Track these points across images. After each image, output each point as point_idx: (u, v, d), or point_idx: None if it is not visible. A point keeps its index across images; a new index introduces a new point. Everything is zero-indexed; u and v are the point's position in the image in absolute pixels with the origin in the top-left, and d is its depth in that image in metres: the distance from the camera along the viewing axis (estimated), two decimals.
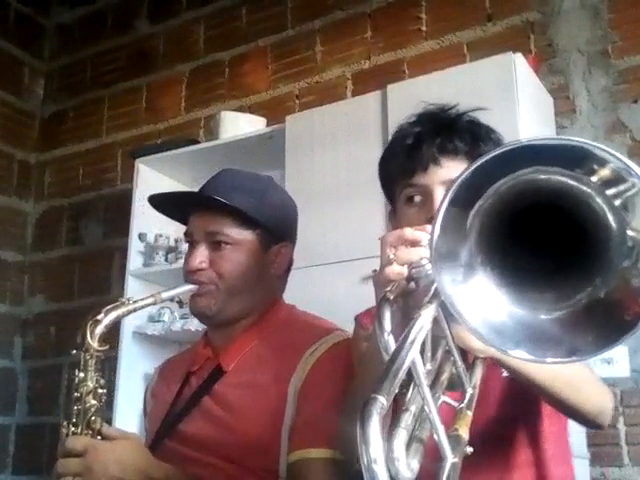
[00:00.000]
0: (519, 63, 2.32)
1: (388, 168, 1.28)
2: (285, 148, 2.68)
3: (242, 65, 3.47)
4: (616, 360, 2.30)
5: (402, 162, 1.20)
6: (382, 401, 0.60)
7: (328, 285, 2.39)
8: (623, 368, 2.30)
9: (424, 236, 0.92)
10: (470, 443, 0.81)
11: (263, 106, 3.31)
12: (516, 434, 1.19)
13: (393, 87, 2.50)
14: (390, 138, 1.30)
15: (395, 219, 1.26)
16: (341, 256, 2.42)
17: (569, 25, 2.70)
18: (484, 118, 1.25)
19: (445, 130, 1.19)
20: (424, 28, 3.00)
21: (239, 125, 2.96)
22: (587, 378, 1.10)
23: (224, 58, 3.52)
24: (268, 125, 2.97)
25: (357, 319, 1.34)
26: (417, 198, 1.18)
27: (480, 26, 2.86)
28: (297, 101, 3.25)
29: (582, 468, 2.27)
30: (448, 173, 1.14)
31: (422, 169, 1.17)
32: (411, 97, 2.36)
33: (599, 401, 1.11)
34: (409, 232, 0.96)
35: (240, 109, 3.32)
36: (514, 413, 1.20)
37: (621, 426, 2.31)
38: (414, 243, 0.95)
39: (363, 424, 0.58)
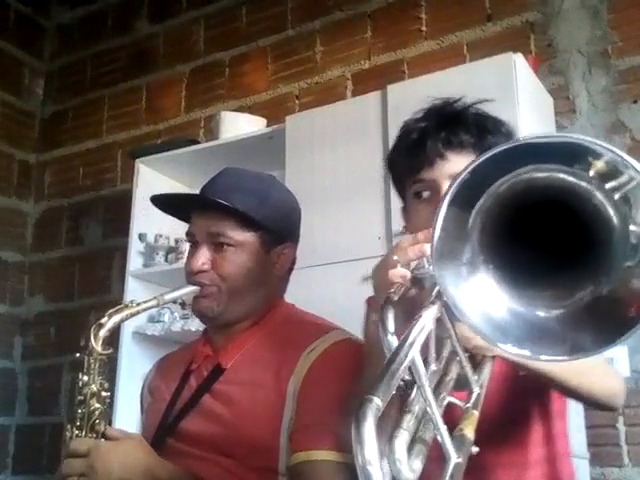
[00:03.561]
0: (519, 63, 2.32)
1: (395, 165, 1.27)
2: (285, 148, 2.68)
3: (242, 65, 3.47)
4: (616, 360, 2.29)
5: (408, 158, 1.20)
6: (377, 402, 0.60)
7: (328, 285, 2.39)
8: (623, 368, 2.30)
9: None
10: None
11: (263, 106, 3.31)
12: (531, 432, 1.20)
13: (393, 87, 2.50)
14: (397, 134, 1.28)
15: (407, 215, 1.26)
16: (341, 256, 2.42)
17: (569, 25, 2.70)
18: None
19: (450, 123, 1.18)
20: (424, 28, 3.00)
21: (239, 125, 2.96)
22: (595, 363, 1.09)
23: (224, 58, 3.52)
24: (268, 125, 2.97)
25: (369, 302, 1.33)
26: (425, 193, 1.18)
27: (480, 26, 2.86)
28: (297, 101, 3.25)
29: (582, 468, 2.28)
30: (455, 167, 1.13)
31: (428, 164, 1.16)
32: (411, 97, 2.37)
33: (609, 384, 1.12)
34: (422, 241, 0.96)
35: (240, 109, 3.32)
36: (528, 411, 1.20)
37: (621, 426, 2.31)
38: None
39: (358, 425, 0.58)
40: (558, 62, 2.69)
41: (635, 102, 2.53)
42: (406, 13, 3.04)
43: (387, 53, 3.06)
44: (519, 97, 2.22)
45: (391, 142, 2.48)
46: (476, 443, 0.79)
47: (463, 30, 2.89)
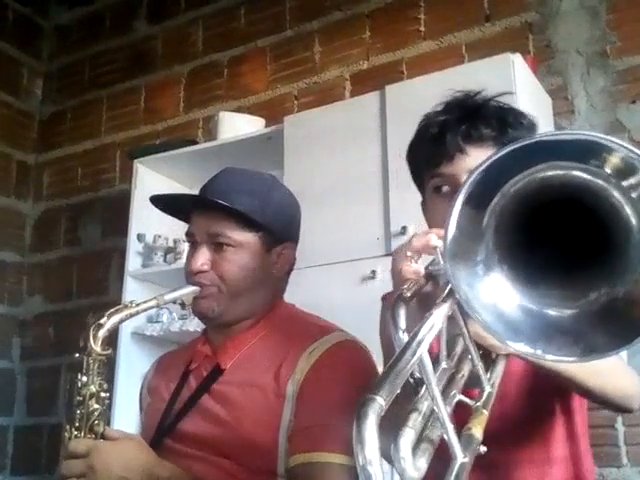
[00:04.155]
0: (518, 64, 2.32)
1: (415, 158, 1.25)
2: (283, 149, 2.68)
3: (241, 66, 3.47)
4: None
5: (428, 152, 1.18)
6: (380, 402, 0.59)
7: (326, 286, 2.39)
8: None
9: None
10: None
11: (262, 107, 3.30)
12: (554, 428, 1.20)
13: (391, 88, 2.50)
14: (416, 127, 1.26)
15: (425, 209, 1.25)
16: (339, 257, 2.42)
17: (568, 26, 2.70)
18: None
19: (470, 117, 1.16)
20: (422, 29, 2.99)
21: (237, 126, 2.95)
22: (612, 364, 1.07)
23: (223, 59, 3.52)
24: (267, 126, 2.97)
25: (385, 299, 1.31)
26: (445, 188, 1.16)
27: (479, 27, 2.86)
28: (296, 102, 3.24)
29: None
30: (475, 161, 1.10)
31: (448, 159, 1.14)
32: (409, 98, 2.38)
33: (622, 385, 1.11)
34: (434, 240, 0.95)
35: (239, 110, 3.31)
36: (551, 408, 1.20)
37: (620, 427, 2.31)
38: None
39: (359, 424, 0.57)
40: (557, 62, 2.69)
41: (634, 102, 2.53)
42: (404, 13, 3.04)
43: (386, 53, 3.06)
44: (518, 98, 2.22)
45: (390, 142, 2.49)
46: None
47: (462, 30, 2.89)
